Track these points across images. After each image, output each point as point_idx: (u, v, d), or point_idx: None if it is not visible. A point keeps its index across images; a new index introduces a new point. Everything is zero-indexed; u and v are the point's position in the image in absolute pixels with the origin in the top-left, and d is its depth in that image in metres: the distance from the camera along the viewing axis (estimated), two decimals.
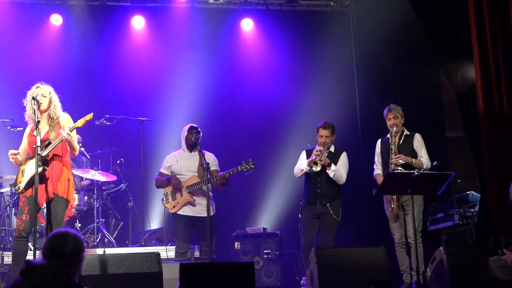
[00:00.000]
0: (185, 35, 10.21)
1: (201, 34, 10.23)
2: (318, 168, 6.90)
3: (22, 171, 5.84)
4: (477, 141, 7.35)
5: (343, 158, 7.18)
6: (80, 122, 5.77)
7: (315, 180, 7.06)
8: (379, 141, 7.16)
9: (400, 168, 6.64)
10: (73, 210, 6.25)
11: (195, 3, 10.23)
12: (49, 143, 5.69)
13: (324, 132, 7.08)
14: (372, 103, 9.23)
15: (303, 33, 10.31)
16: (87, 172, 8.68)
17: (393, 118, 6.93)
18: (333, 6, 10.38)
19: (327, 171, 6.99)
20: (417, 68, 9.60)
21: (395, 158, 6.75)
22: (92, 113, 5.81)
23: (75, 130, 5.82)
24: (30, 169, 5.73)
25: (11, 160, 5.95)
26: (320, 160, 6.90)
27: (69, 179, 5.86)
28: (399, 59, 9.59)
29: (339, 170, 7.03)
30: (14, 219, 8.19)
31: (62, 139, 5.67)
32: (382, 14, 9.54)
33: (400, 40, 9.49)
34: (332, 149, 7.18)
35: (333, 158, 7.07)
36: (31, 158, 5.81)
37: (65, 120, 5.90)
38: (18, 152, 5.91)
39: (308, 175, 7.13)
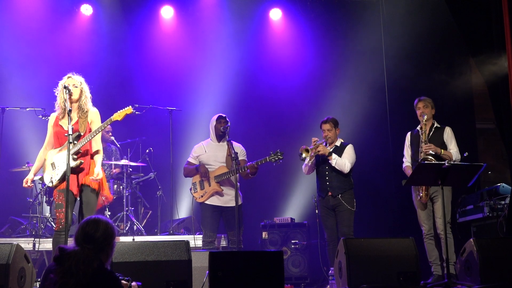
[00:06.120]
0: (214, 25, 10.22)
1: (230, 24, 10.22)
2: (307, 156, 7.06)
3: (51, 164, 5.83)
4: (508, 132, 7.25)
5: (348, 149, 7.22)
6: (119, 116, 5.86)
7: (324, 174, 7.17)
8: (408, 134, 7.16)
9: (430, 157, 6.62)
10: (103, 198, 6.26)
11: None
12: (79, 135, 5.74)
13: (324, 126, 7.24)
14: (402, 94, 9.18)
15: (332, 22, 10.22)
16: (118, 161, 8.81)
17: (423, 107, 6.99)
18: None
19: (329, 161, 7.06)
20: (448, 59, 9.48)
21: (426, 147, 6.73)
22: (130, 106, 5.89)
23: (100, 134, 5.92)
24: (62, 162, 5.75)
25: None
26: (316, 149, 7.01)
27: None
28: (429, 50, 9.49)
29: (341, 159, 7.07)
30: (46, 207, 8.32)
31: (91, 138, 5.76)
32: (412, 4, 9.44)
33: (430, 31, 9.38)
34: (338, 143, 7.28)
35: (340, 151, 7.16)
36: (59, 150, 5.84)
37: (94, 115, 5.95)
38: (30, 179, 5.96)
39: (318, 171, 7.26)
